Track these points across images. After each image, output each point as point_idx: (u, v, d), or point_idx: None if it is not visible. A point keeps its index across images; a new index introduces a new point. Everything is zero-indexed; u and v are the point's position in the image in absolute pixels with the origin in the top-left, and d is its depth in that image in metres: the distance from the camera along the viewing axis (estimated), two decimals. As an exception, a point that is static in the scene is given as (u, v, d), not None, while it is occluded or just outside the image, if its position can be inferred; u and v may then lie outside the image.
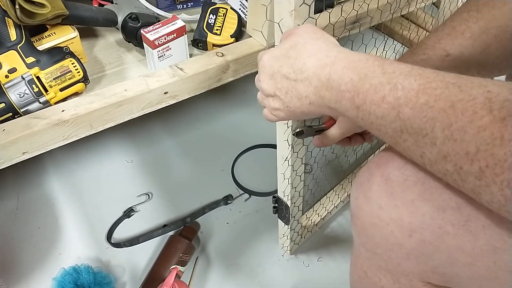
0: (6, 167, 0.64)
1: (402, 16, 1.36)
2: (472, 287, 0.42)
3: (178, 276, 0.87)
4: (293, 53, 0.45)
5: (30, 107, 0.65)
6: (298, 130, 0.63)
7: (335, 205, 0.99)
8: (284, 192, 0.78)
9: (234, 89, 1.32)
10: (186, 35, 0.73)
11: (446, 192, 0.39)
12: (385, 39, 1.10)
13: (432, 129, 0.33)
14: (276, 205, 0.83)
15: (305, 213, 0.94)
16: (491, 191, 0.30)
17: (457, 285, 0.44)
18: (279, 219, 0.87)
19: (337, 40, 0.77)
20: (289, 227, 0.85)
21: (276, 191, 1.03)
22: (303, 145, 0.71)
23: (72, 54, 0.68)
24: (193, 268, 0.91)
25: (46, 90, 0.65)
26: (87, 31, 0.81)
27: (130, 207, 1.01)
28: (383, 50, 0.85)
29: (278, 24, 0.54)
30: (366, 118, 0.39)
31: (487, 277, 0.39)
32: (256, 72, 0.52)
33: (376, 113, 0.38)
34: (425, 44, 0.61)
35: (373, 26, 0.85)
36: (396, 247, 0.43)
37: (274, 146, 1.14)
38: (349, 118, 0.42)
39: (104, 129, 0.70)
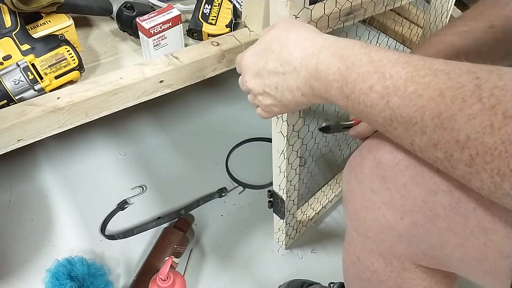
0: (-1, 159, 0.64)
1: (394, 11, 1.37)
2: (463, 268, 0.43)
3: (172, 267, 0.87)
4: (276, 45, 0.45)
5: (25, 95, 0.64)
6: (324, 125, 0.61)
7: (330, 200, 1.00)
8: (280, 185, 0.78)
9: (227, 82, 1.32)
10: (181, 24, 0.73)
11: (437, 176, 0.39)
12: (378, 34, 1.11)
13: (421, 117, 0.33)
14: (272, 199, 0.83)
15: (300, 208, 0.95)
16: (481, 178, 0.31)
17: (448, 267, 0.45)
18: (274, 214, 0.87)
19: (332, 31, 0.78)
20: (284, 221, 0.85)
21: (270, 184, 1.05)
22: (298, 137, 0.71)
23: (67, 42, 0.68)
24: (188, 259, 0.91)
25: (41, 78, 0.65)
26: (82, 21, 0.81)
27: (124, 200, 1.01)
28: (376, 43, 0.86)
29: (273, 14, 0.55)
30: (355, 107, 0.39)
31: (477, 258, 0.39)
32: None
33: (365, 102, 0.38)
34: (465, 17, 0.59)
35: (366, 21, 0.85)
36: (387, 229, 0.44)
37: (268, 140, 1.14)
38: (340, 106, 0.42)
39: (98, 122, 0.69)
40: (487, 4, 0.57)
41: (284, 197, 0.79)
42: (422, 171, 0.40)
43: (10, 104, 0.64)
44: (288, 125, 0.65)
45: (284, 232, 0.89)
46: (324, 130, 0.61)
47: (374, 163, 0.44)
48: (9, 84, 0.63)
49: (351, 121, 0.62)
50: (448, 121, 0.32)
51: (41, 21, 0.71)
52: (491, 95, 0.30)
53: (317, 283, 0.85)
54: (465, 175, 0.32)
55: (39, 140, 0.65)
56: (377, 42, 0.85)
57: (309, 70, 0.42)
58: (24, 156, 1.09)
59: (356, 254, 0.53)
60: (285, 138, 0.68)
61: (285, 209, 0.81)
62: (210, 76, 0.76)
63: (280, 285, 0.87)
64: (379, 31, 1.37)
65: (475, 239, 0.39)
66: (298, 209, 0.91)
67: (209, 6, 0.78)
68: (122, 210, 1.00)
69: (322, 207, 0.98)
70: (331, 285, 0.79)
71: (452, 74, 0.33)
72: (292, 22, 0.48)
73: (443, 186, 0.39)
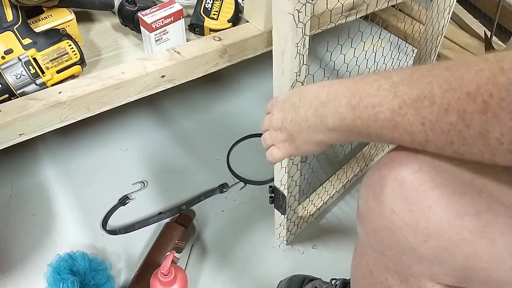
0: (0, 154, 0.64)
1: (396, 7, 1.37)
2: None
3: (174, 262, 0.87)
4: (305, 87, 0.51)
5: (26, 89, 0.64)
6: None
7: (331, 196, 1.00)
8: (281, 181, 0.78)
9: (228, 78, 1.32)
10: (183, 19, 0.73)
11: (464, 198, 0.38)
12: (380, 30, 1.11)
13: (429, 90, 0.34)
14: (273, 195, 0.83)
15: (302, 203, 0.95)
16: (500, 119, 0.30)
17: (468, 286, 0.43)
18: (275, 209, 0.87)
19: (335, 27, 0.78)
20: (285, 217, 0.85)
21: (271, 180, 1.05)
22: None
23: (69, 36, 0.68)
24: (189, 254, 0.91)
25: (42, 72, 0.65)
26: (83, 15, 0.81)
27: (125, 195, 1.01)
28: (378, 40, 0.86)
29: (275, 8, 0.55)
30: (363, 113, 0.40)
31: (502, 281, 0.39)
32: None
33: (373, 103, 0.39)
34: None
35: (369, 17, 0.85)
36: (408, 251, 0.43)
37: (269, 136, 1.14)
38: (347, 127, 0.43)
39: (99, 117, 0.69)
40: None
41: (285, 192, 0.79)
42: (448, 194, 0.39)
43: (12, 98, 0.64)
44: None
45: (285, 227, 0.89)
46: None
47: (396, 183, 0.42)
48: (10, 79, 0.63)
49: None
50: (456, 81, 0.32)
51: (42, 15, 0.71)
52: (496, 56, 0.31)
53: (318, 279, 0.85)
54: (482, 126, 0.31)
55: (40, 135, 0.65)
56: (379, 38, 0.85)
57: (320, 99, 0.46)
58: (25, 151, 1.09)
59: (370, 268, 0.52)
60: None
61: (286, 205, 0.81)
62: (212, 71, 0.76)
63: (281, 281, 0.87)
64: (381, 27, 1.37)
65: (501, 263, 0.38)
66: (299, 204, 0.91)
67: (211, 0, 0.78)
68: (124, 205, 1.00)
69: (323, 203, 0.98)
70: (333, 281, 0.79)
71: (457, 62, 0.35)
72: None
73: (470, 209, 0.38)
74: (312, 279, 0.85)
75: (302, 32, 0.56)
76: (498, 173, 0.36)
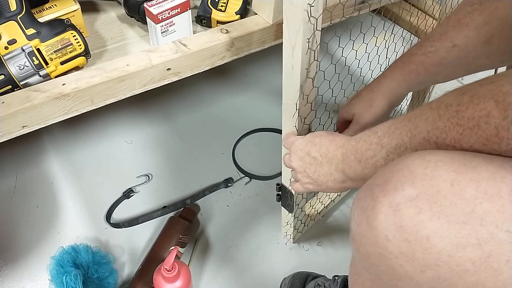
0: (4, 145, 0.63)
1: (409, 2, 1.34)
2: None
3: (177, 257, 0.86)
4: (318, 140, 0.59)
5: (30, 80, 0.63)
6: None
7: (339, 193, 0.98)
8: (289, 179, 0.76)
9: (235, 71, 1.30)
10: (190, 10, 0.71)
11: (465, 228, 0.36)
12: (393, 26, 1.08)
13: (401, 139, 0.45)
14: (280, 193, 0.82)
15: (309, 201, 0.93)
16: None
17: None
18: (282, 207, 0.86)
19: (345, 21, 0.77)
20: (293, 215, 0.84)
21: (276, 175, 1.03)
22: (310, 131, 0.69)
23: (73, 27, 0.66)
24: (193, 249, 0.90)
25: (46, 63, 0.64)
26: (88, 5, 0.80)
27: (130, 188, 1.00)
28: (391, 35, 0.84)
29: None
30: (367, 164, 0.50)
31: None
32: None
33: (370, 155, 0.49)
34: (431, 37, 0.65)
35: (381, 12, 0.83)
36: (405, 278, 0.41)
37: (275, 130, 1.12)
38: (360, 175, 0.52)
39: (104, 109, 0.68)
40: (450, 24, 0.63)
41: (293, 191, 0.77)
42: (448, 223, 0.37)
43: (15, 89, 0.63)
44: (299, 116, 0.64)
45: (292, 226, 0.87)
46: None
47: (390, 210, 0.40)
48: (14, 69, 0.62)
49: (336, 131, 0.72)
50: (415, 129, 0.43)
51: (47, 5, 0.69)
52: (436, 103, 0.41)
53: (322, 276, 0.84)
54: None
55: (45, 127, 0.64)
56: (392, 34, 0.82)
57: (337, 157, 0.55)
58: (30, 142, 1.08)
59: (366, 287, 0.51)
60: (297, 131, 0.66)
61: (294, 203, 0.80)
62: (219, 64, 0.74)
63: (284, 278, 0.86)
64: (393, 23, 1.34)
65: None
66: (306, 202, 0.89)
67: (219, -8, 0.76)
68: (128, 198, 0.99)
69: (331, 201, 0.97)
70: (336, 278, 0.78)
71: (416, 112, 0.44)
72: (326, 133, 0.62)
73: (472, 239, 0.36)
74: (315, 276, 0.84)
75: (314, 27, 0.54)
76: (501, 197, 0.34)
